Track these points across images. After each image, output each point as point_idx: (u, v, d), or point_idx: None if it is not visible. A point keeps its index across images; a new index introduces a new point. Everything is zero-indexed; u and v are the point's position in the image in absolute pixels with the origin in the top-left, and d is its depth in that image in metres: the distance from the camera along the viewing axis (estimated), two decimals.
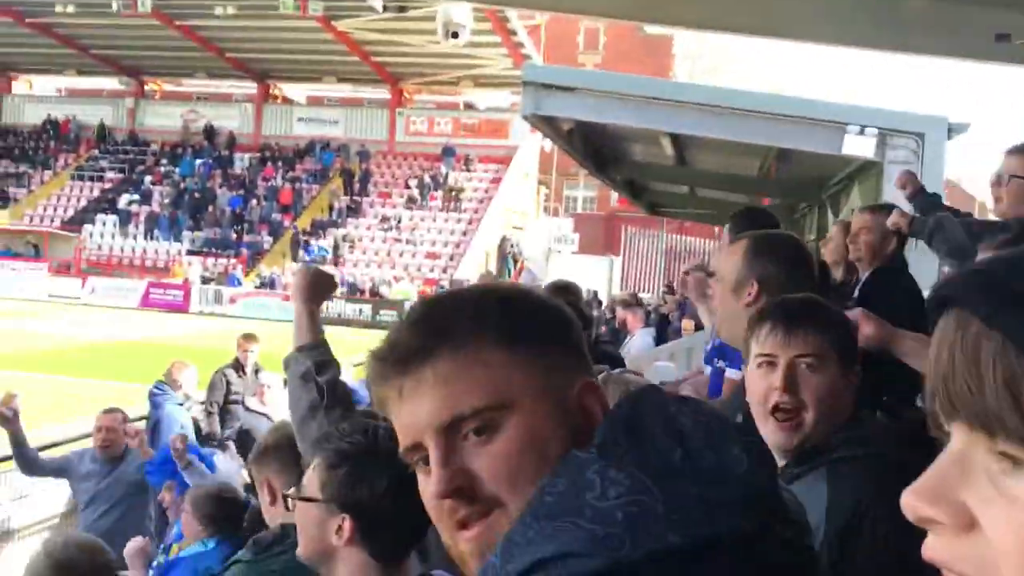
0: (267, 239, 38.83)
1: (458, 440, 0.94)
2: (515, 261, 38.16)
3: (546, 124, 9.37)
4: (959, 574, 0.55)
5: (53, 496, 7.68)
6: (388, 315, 30.19)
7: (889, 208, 3.95)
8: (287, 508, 2.03)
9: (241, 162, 43.07)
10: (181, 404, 6.98)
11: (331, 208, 40.07)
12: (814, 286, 2.29)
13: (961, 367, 0.56)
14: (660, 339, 9.85)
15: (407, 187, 40.62)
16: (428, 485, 0.95)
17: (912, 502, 0.57)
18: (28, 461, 6.21)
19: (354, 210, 39.93)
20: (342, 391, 2.31)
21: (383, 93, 44.38)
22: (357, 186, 40.95)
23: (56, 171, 43.73)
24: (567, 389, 0.99)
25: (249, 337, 8.52)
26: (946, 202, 4.52)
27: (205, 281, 35.62)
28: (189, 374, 7.12)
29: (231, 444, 7.49)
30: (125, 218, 40.30)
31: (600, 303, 18.91)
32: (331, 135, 43.34)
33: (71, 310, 31.18)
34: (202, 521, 4.01)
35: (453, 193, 39.57)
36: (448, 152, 41.14)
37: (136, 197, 41.30)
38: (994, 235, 3.15)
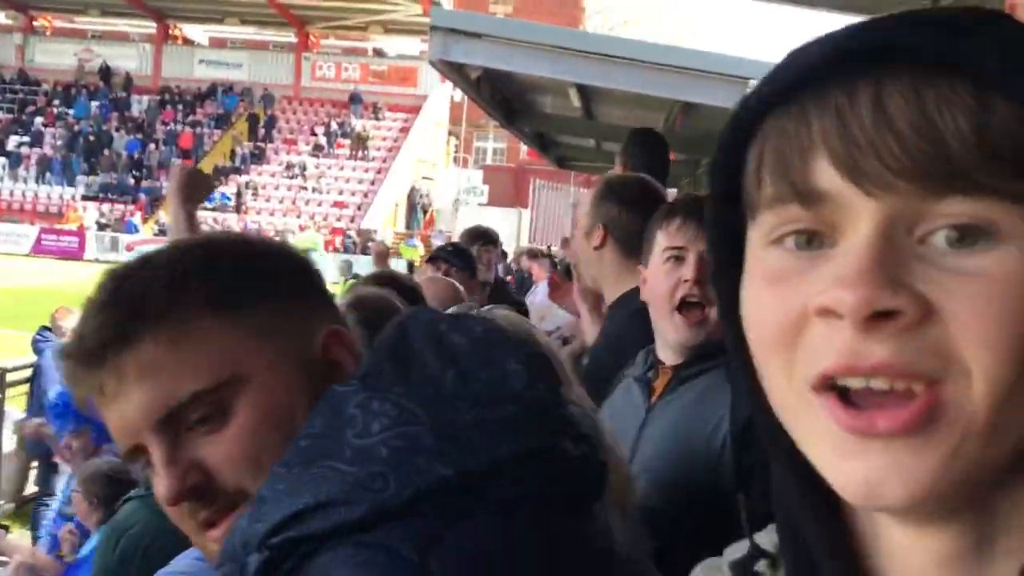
0: (166, 185, 37.51)
1: (182, 432, 0.81)
2: (424, 211, 37.93)
3: (454, 71, 9.25)
4: (916, 375, 0.47)
5: None
6: None
7: None
8: None
9: (139, 105, 41.51)
10: None
11: (233, 154, 39.03)
12: None
13: (899, 122, 0.48)
14: None
15: (313, 134, 39.81)
16: (159, 489, 0.81)
17: (868, 293, 0.47)
18: None
19: (258, 157, 38.99)
20: None
21: (289, 37, 43.20)
22: (261, 132, 39.96)
23: None
24: (308, 345, 0.86)
25: None
26: None
27: (101, 228, 34.46)
28: (75, 320, 6.87)
29: None
30: (15, 161, 38.55)
31: (506, 254, 19.01)
32: (234, 78, 42.04)
33: None
34: (91, 501, 3.85)
35: (361, 141, 38.96)
36: (356, 99, 40.38)
37: (27, 139, 39.52)
38: None
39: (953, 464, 0.47)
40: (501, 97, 11.58)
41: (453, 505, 0.72)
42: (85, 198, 36.75)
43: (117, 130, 40.24)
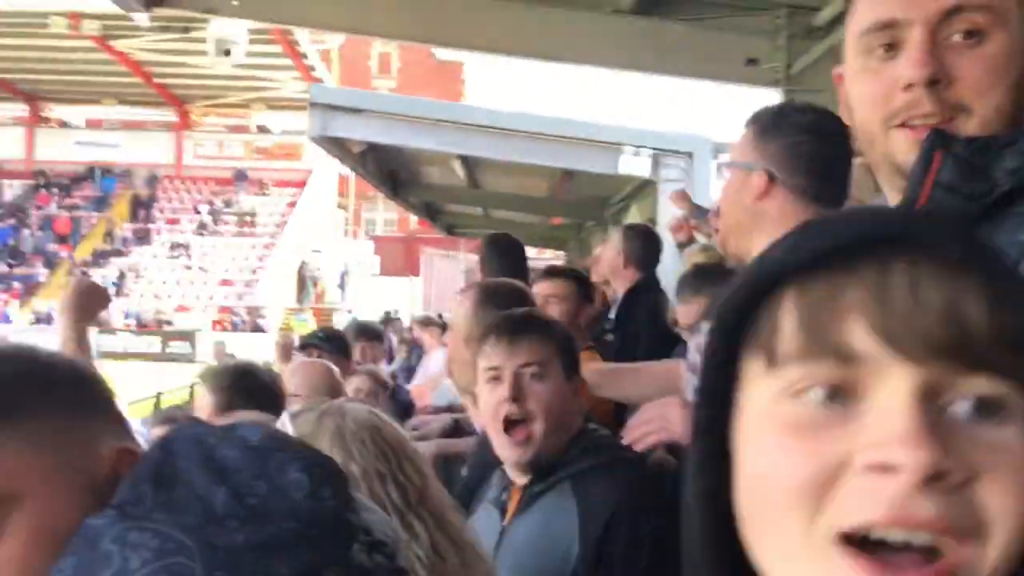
0: (42, 271, 36.25)
1: None
2: (315, 285, 37.47)
3: (336, 146, 9.29)
4: (953, 532, 0.51)
5: None
6: (178, 346, 28.87)
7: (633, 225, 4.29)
8: None
9: (11, 190, 40.06)
10: None
11: (112, 236, 37.94)
12: None
13: (934, 305, 0.52)
14: None
15: (197, 212, 39.06)
16: None
17: (931, 453, 0.50)
18: None
19: (141, 238, 37.99)
20: None
21: (169, 116, 42.50)
22: (142, 213, 39.01)
23: None
24: (93, 462, 0.81)
25: None
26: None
27: None
28: None
29: None
30: None
31: (401, 323, 18.95)
32: (113, 159, 41.06)
33: None
34: None
35: (247, 218, 38.40)
36: (240, 176, 39.90)
37: None
38: None
39: None
40: (387, 169, 11.65)
41: None
42: None
43: None
